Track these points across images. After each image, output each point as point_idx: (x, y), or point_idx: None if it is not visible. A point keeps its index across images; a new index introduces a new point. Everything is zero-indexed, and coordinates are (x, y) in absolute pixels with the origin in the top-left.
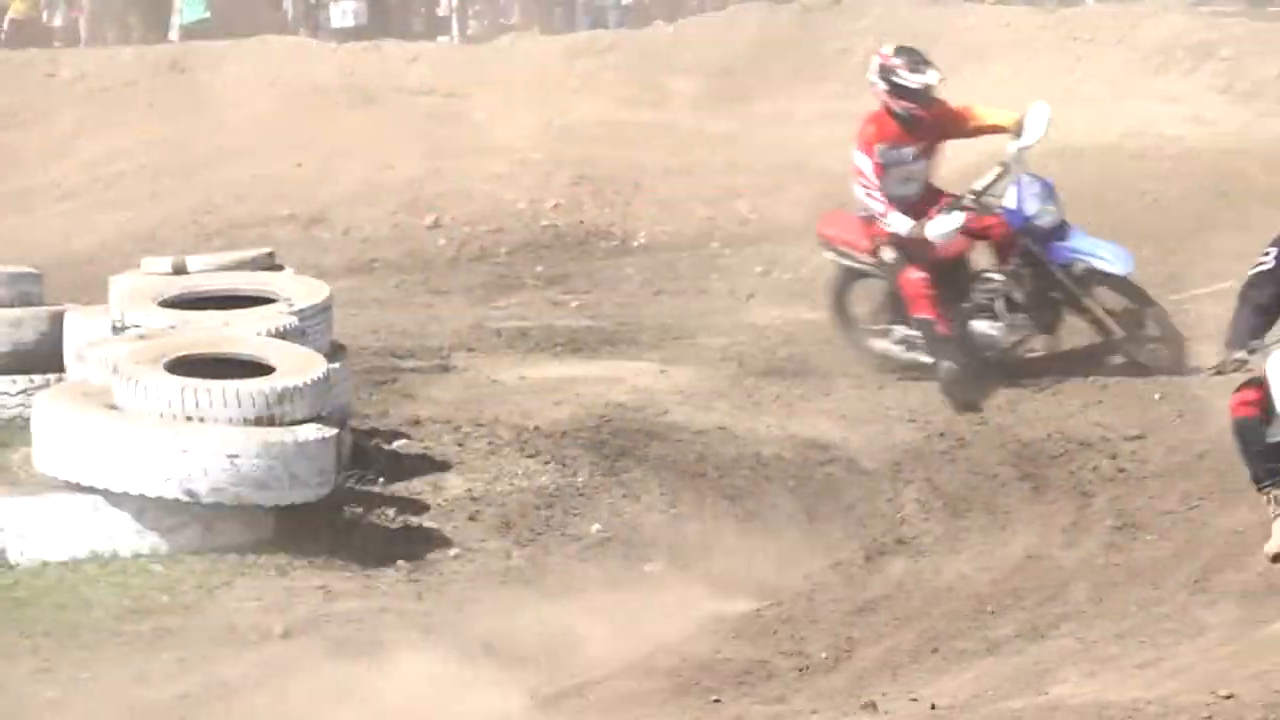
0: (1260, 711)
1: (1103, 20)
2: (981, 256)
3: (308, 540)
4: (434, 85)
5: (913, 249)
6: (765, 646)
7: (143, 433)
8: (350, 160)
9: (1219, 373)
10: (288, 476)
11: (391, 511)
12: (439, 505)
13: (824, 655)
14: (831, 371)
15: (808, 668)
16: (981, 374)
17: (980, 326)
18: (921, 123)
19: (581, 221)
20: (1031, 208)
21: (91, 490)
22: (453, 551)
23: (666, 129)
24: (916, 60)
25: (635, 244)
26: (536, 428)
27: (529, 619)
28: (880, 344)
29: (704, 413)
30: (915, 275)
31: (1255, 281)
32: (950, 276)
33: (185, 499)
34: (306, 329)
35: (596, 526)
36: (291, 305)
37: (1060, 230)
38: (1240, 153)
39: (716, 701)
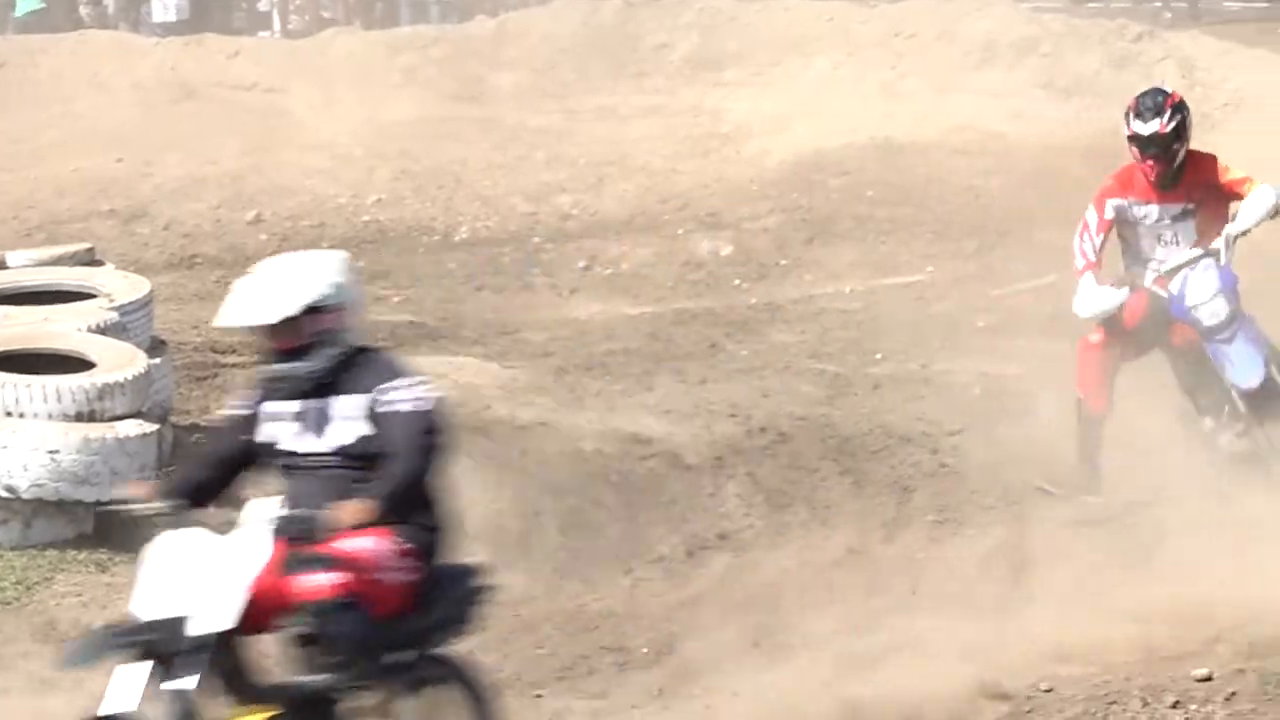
0: (1081, 705)
1: (925, 16)
2: None
3: (128, 536)
4: (255, 80)
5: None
6: (586, 641)
7: None
8: (171, 155)
9: None
10: (108, 472)
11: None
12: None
13: (645, 650)
14: (652, 367)
15: (629, 663)
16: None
17: (1210, 425)
18: (1173, 182)
19: (403, 216)
20: (1194, 299)
21: None
22: None
23: (488, 124)
24: (1146, 105)
25: (457, 239)
26: None
27: None
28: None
29: (526, 408)
30: (1092, 338)
31: (221, 425)
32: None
33: (4, 495)
34: (127, 324)
35: None
36: (112, 300)
37: (1225, 328)
38: (1061, 148)
39: (539, 697)
